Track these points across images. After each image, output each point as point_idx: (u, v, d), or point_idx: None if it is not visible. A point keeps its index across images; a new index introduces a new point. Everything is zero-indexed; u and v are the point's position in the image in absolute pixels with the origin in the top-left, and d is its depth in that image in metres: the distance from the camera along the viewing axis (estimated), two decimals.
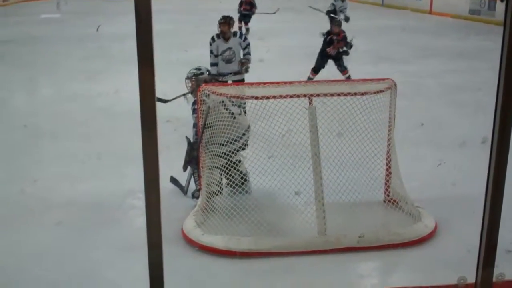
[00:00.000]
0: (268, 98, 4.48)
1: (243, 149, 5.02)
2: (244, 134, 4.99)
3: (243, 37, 7.88)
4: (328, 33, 10.00)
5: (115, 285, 3.86)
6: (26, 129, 7.41)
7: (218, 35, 7.76)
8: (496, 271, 2.02)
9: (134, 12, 1.54)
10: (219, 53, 7.73)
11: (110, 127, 7.48)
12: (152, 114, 1.68)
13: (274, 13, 16.56)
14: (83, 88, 9.87)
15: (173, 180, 5.28)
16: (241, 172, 5.06)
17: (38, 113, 8.34)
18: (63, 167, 6.03)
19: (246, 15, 16.79)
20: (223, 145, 4.84)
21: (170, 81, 8.82)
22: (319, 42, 10.33)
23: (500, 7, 20.62)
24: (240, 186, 5.04)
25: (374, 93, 4.77)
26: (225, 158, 4.87)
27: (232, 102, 4.99)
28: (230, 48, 7.75)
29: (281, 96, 4.55)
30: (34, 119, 7.91)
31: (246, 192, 5.07)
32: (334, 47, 9.78)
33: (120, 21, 13.02)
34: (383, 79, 4.99)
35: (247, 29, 16.61)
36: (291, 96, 4.57)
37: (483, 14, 21.44)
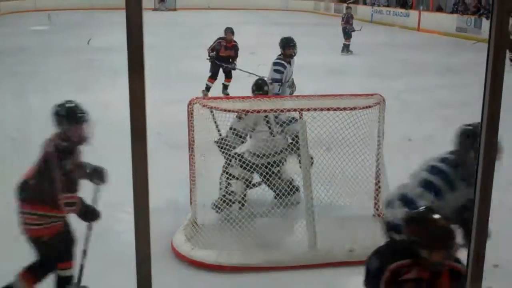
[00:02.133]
0: (258, 111, 4.50)
1: (277, 165, 5.03)
2: (277, 153, 5.01)
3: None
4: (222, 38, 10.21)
5: None
6: (14, 141, 7.36)
7: (285, 60, 7.01)
8: (484, 285, 2.03)
9: (126, 24, 1.55)
10: (286, 79, 7.01)
11: (99, 139, 7.43)
12: (142, 127, 1.67)
13: (360, 29, 17.14)
14: (73, 99, 9.83)
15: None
16: (286, 181, 5.03)
17: (27, 125, 8.28)
18: None
19: (346, 32, 17.16)
20: (257, 156, 4.95)
21: (160, 93, 8.84)
22: (309, 57, 10.44)
23: (486, 24, 20.85)
24: (287, 196, 4.93)
25: (363, 108, 4.81)
26: (263, 170, 4.93)
27: (277, 120, 5.01)
28: (292, 72, 7.17)
29: (271, 110, 4.57)
30: (22, 131, 7.85)
31: (297, 203, 4.99)
32: (221, 52, 10.02)
33: (111, 32, 13.05)
34: (372, 95, 5.04)
35: (348, 45, 17.01)
36: (281, 110, 4.60)
37: (469, 32, 21.72)
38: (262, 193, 4.91)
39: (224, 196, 4.98)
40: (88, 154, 6.74)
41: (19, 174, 6.03)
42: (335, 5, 36.61)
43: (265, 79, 5.80)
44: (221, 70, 10.40)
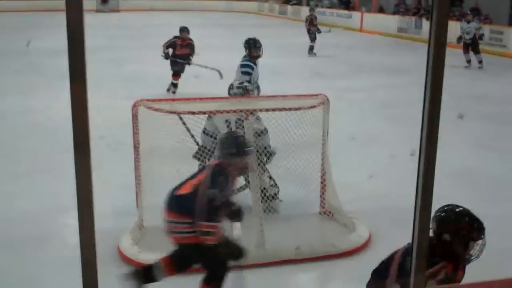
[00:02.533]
0: (204, 113, 4.50)
1: None
2: None
3: None
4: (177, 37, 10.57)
5: None
6: None
7: (251, 61, 6.68)
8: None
9: (66, 27, 1.52)
10: (254, 80, 6.63)
11: (43, 144, 7.30)
12: (84, 131, 1.65)
13: (329, 31, 17.69)
14: (14, 103, 9.62)
15: None
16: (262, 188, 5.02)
17: None
18: None
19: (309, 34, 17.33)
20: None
21: (104, 97, 8.72)
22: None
23: (426, 25, 21.44)
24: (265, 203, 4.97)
25: (308, 108, 4.87)
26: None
27: (239, 124, 4.93)
28: (258, 73, 6.81)
29: (217, 111, 4.57)
30: None
31: (274, 210, 4.99)
32: (177, 50, 10.40)
33: (53, 35, 12.80)
34: (316, 95, 5.11)
35: (312, 47, 17.10)
36: (227, 111, 4.61)
37: (410, 32, 22.28)
38: None
39: None
40: (32, 158, 6.65)
41: None
42: (279, 7, 36.87)
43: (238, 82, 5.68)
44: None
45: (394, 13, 24.83)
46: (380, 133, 8.14)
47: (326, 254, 4.36)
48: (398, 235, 4.39)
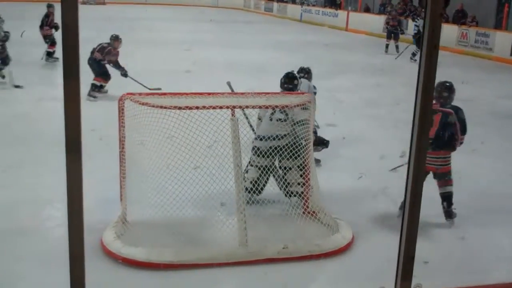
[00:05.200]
0: (191, 108, 4.46)
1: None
2: (273, 138, 5.11)
3: None
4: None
5: None
6: None
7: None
8: (414, 282, 2.10)
9: (61, 21, 1.50)
10: None
11: (32, 135, 7.22)
12: (76, 124, 1.63)
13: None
14: (4, 93, 9.50)
15: None
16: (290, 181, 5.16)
17: None
18: None
19: (395, 32, 18.08)
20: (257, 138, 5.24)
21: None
22: (241, 55, 10.47)
23: (411, 26, 21.55)
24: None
25: (295, 106, 4.86)
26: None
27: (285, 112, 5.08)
28: None
29: (204, 107, 4.54)
30: None
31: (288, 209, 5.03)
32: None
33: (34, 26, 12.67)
34: (303, 93, 5.10)
35: (397, 46, 17.52)
36: (213, 108, 4.58)
37: None
38: (193, 191, 4.85)
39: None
40: (20, 149, 6.57)
41: None
42: (265, 3, 36.87)
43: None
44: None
45: (379, 13, 24.93)
46: (367, 133, 8.13)
47: (309, 254, 4.36)
48: (381, 238, 4.44)
